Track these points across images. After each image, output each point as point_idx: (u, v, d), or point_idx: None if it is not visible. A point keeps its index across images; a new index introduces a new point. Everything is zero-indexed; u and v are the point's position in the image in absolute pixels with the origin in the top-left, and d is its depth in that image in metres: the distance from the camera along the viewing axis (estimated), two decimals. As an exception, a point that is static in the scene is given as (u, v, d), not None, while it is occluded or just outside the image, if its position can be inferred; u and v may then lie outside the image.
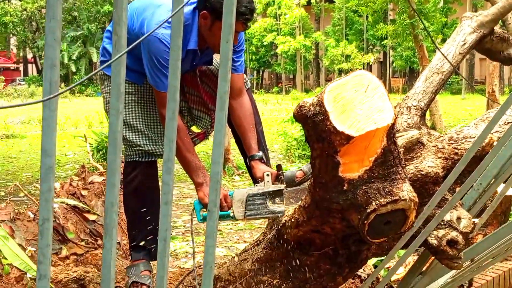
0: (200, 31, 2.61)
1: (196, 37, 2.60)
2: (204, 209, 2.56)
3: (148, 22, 2.55)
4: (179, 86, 1.23)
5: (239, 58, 2.79)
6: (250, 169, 2.82)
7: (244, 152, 2.96)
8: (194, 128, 3.01)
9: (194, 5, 2.59)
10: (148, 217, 2.81)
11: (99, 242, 3.49)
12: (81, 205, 3.63)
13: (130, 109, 2.76)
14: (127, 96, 2.75)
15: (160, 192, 1.29)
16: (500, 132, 2.36)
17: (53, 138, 1.12)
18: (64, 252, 3.14)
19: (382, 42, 38.75)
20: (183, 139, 2.60)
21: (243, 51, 2.84)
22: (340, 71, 37.72)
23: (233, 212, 2.46)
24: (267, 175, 2.47)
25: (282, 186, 2.41)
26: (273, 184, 2.45)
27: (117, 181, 1.22)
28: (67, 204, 3.53)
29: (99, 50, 2.99)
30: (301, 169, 2.68)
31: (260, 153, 2.72)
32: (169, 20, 1.13)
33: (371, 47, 42.64)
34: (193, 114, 2.95)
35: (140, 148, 2.76)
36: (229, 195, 2.49)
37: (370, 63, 40.39)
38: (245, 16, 2.48)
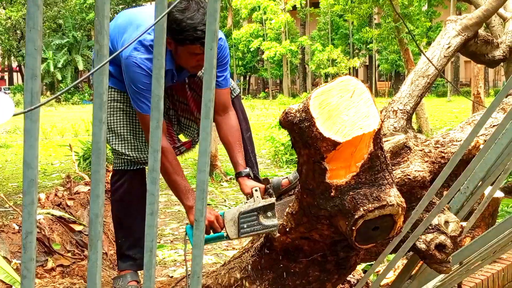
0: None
1: (170, 57, 2.58)
2: None
3: (129, 46, 2.53)
4: (164, 94, 1.21)
5: (222, 73, 2.74)
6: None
7: None
8: (182, 137, 2.99)
9: None
10: (135, 226, 2.79)
11: (86, 253, 3.45)
12: (66, 215, 3.59)
13: (117, 117, 2.75)
14: (114, 103, 2.75)
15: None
16: (486, 135, 2.37)
17: (35, 150, 1.11)
18: (50, 264, 3.10)
19: (368, 46, 39.00)
20: (171, 162, 2.58)
21: (227, 64, 2.78)
22: (327, 76, 37.86)
23: (226, 232, 2.44)
24: (256, 190, 2.46)
25: (273, 200, 2.40)
26: (262, 199, 2.44)
27: (101, 192, 1.20)
28: (52, 215, 3.49)
29: (90, 59, 2.97)
30: (287, 177, 2.67)
31: (247, 170, 2.70)
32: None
33: (356, 51, 42.87)
34: (181, 123, 2.94)
35: (126, 157, 2.75)
36: (220, 215, 2.48)
37: (356, 68, 40.59)
38: (201, 39, 2.40)
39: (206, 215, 2.46)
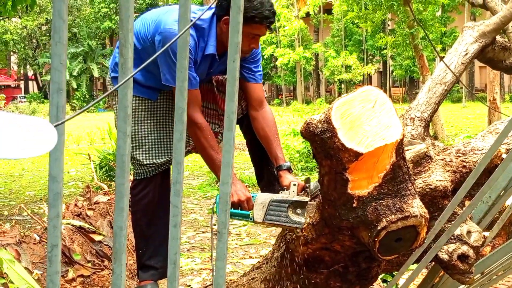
0: (220, 37, 2.62)
1: (214, 42, 2.60)
2: None
3: (165, 21, 2.55)
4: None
5: (257, 68, 2.82)
6: (266, 181, 2.87)
7: (258, 165, 2.96)
8: None
9: (213, 10, 2.60)
10: (156, 234, 2.78)
11: (106, 263, 3.46)
12: (86, 226, 3.60)
13: (142, 127, 2.75)
14: (139, 113, 2.75)
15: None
16: (508, 144, 2.34)
17: (61, 163, 1.11)
18: (71, 274, 3.11)
19: (382, 52, 38.86)
20: (207, 137, 2.60)
21: (260, 60, 2.85)
22: (341, 82, 37.76)
23: (252, 214, 2.44)
24: (294, 185, 2.45)
25: (307, 199, 2.38)
26: (297, 195, 2.43)
27: (126, 205, 1.20)
28: (72, 225, 3.51)
29: (109, 65, 2.97)
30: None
31: (288, 163, 2.72)
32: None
33: (370, 57, 42.75)
34: None
35: (151, 165, 2.73)
36: (252, 196, 2.49)
37: (371, 74, 40.47)
38: (269, 19, 2.53)
39: (239, 194, 2.49)
